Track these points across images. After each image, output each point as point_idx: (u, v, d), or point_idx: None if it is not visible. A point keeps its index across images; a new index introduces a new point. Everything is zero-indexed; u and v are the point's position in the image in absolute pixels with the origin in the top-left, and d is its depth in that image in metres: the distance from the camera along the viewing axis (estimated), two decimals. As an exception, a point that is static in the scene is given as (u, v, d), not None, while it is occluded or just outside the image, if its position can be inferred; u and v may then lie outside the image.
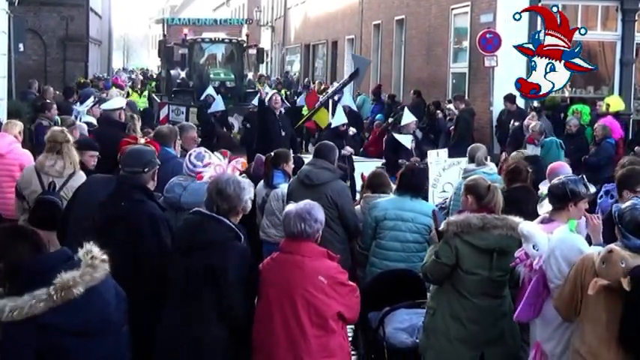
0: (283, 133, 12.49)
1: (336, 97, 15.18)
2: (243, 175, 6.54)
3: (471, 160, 8.24)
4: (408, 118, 12.02)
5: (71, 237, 5.19)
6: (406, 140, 11.55)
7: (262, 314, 4.46)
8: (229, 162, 5.75)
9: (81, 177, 6.45)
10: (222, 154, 6.50)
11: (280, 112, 13.04)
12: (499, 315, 5.17)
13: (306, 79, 29.80)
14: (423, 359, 5.29)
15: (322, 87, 23.97)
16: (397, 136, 11.83)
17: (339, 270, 4.52)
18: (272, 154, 7.91)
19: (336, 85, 18.03)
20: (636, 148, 12.47)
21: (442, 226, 5.24)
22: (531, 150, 11.35)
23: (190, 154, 6.32)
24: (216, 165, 5.48)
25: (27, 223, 6.42)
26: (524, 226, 4.85)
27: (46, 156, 6.62)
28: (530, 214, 5.39)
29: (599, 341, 4.39)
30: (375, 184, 7.08)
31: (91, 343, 3.25)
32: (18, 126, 8.08)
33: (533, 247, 4.71)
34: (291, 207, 4.60)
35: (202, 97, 18.14)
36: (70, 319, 3.17)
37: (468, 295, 5.10)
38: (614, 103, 14.45)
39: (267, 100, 13.23)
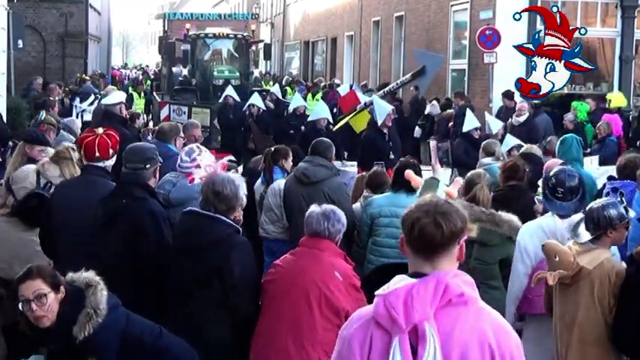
0: (392, 156, 10.17)
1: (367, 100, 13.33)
2: (233, 170, 6.53)
3: (486, 154, 8.27)
4: (471, 123, 11.71)
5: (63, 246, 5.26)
6: (496, 125, 11.46)
7: (271, 304, 4.45)
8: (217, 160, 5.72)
9: None
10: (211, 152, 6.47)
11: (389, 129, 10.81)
12: None
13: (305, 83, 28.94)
14: None
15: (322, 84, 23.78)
16: (488, 117, 11.85)
17: (354, 274, 4.56)
18: (272, 149, 7.87)
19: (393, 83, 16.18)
20: (639, 143, 12.50)
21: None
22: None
23: (183, 151, 6.34)
24: (206, 165, 5.43)
25: (8, 214, 6.42)
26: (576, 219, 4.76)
27: (49, 163, 6.67)
28: (520, 213, 5.42)
29: (554, 335, 4.55)
30: (374, 184, 6.97)
31: None
32: None
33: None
34: (315, 207, 4.67)
35: (222, 99, 16.76)
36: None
37: None
38: (616, 99, 14.44)
39: (378, 116, 10.92)
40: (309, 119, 12.96)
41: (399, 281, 2.57)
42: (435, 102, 16.22)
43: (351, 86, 19.25)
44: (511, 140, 9.93)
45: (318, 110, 12.61)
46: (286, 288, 4.42)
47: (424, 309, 2.46)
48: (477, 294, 2.58)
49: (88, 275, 3.65)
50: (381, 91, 14.50)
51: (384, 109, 10.78)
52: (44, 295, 3.51)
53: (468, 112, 12.62)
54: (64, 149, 6.80)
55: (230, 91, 16.71)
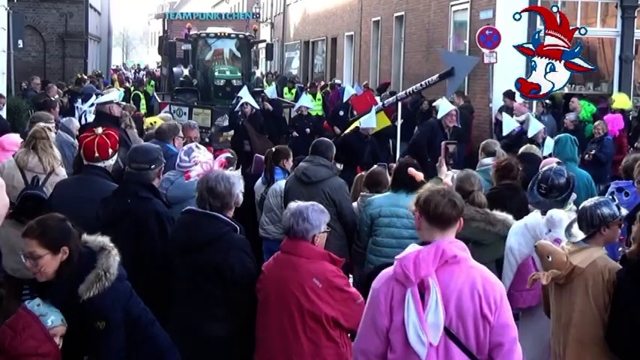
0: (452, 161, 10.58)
1: (386, 101, 13.32)
2: (231, 168, 6.52)
3: (486, 154, 8.30)
4: (510, 125, 11.58)
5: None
6: (536, 127, 11.12)
7: (260, 313, 4.44)
8: (215, 157, 5.72)
9: (61, 173, 6.47)
10: (207, 149, 6.49)
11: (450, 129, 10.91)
12: None
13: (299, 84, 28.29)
14: None
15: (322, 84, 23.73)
16: (505, 116, 11.67)
17: (337, 274, 4.38)
18: (273, 149, 7.86)
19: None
20: (636, 144, 12.47)
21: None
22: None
23: (182, 150, 6.36)
24: (203, 162, 5.43)
25: (9, 216, 6.39)
26: (555, 213, 4.88)
27: (25, 152, 6.60)
28: (514, 212, 5.44)
29: (552, 335, 4.57)
30: (370, 183, 6.97)
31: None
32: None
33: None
34: (291, 204, 4.50)
35: (235, 101, 16.39)
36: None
37: None
38: (620, 100, 14.41)
39: (439, 114, 11.10)
40: (360, 127, 12.02)
41: (411, 249, 3.44)
42: (443, 98, 16.22)
43: (366, 87, 19.35)
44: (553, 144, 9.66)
45: (371, 120, 11.84)
46: (270, 300, 4.37)
47: (428, 268, 3.35)
48: (468, 255, 3.46)
49: (103, 240, 3.78)
50: (404, 92, 14.30)
51: (445, 107, 10.96)
52: (38, 256, 3.60)
53: (505, 114, 12.66)
54: (39, 129, 6.72)
55: (244, 93, 16.17)
